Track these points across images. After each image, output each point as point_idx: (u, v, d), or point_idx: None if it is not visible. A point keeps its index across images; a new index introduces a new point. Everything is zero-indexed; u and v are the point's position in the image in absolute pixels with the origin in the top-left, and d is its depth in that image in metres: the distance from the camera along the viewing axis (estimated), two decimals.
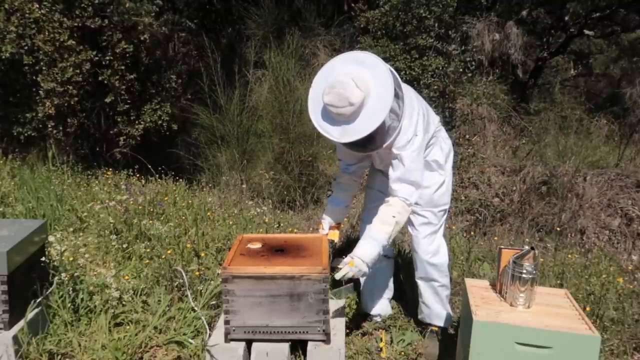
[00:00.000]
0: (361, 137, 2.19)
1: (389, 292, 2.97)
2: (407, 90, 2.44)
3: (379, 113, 2.15)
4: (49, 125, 5.91)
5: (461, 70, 6.52)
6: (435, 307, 2.74)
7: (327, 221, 2.72)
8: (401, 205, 2.36)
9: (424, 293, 2.74)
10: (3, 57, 5.52)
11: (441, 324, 2.76)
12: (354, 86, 2.13)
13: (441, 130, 2.70)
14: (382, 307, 2.93)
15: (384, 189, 2.71)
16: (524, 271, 2.09)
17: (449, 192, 2.69)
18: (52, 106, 5.73)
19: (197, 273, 3.10)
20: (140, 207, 4.25)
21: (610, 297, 3.09)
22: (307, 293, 2.28)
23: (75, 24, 5.69)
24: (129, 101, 6.18)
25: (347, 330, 2.75)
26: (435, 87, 6.22)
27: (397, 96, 2.26)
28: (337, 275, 2.30)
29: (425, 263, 2.66)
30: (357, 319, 2.94)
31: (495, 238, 4.57)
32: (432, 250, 2.65)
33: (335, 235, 2.70)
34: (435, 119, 2.64)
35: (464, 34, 7.29)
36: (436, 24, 6.32)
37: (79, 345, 2.55)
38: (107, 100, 6.00)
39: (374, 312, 2.92)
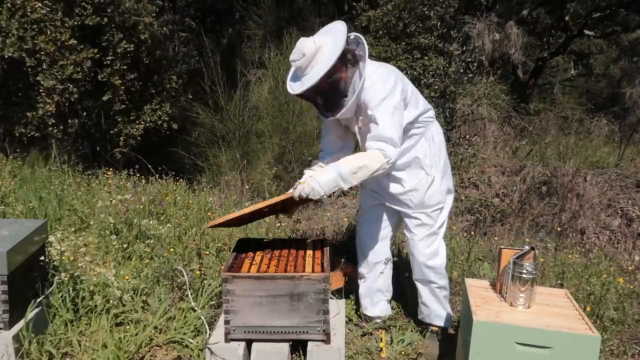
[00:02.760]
0: (312, 84, 2.32)
1: (389, 294, 2.96)
2: (389, 67, 2.56)
3: (326, 62, 2.32)
4: (50, 123, 5.91)
5: (462, 70, 6.52)
6: (435, 308, 2.74)
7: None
8: (377, 155, 2.34)
9: (423, 294, 2.74)
10: (6, 55, 5.52)
11: (441, 324, 2.76)
12: (311, 41, 2.37)
13: (432, 124, 2.66)
14: (382, 309, 2.92)
15: (377, 188, 2.72)
16: (524, 271, 2.09)
17: (441, 191, 2.63)
18: (52, 103, 5.73)
19: (198, 272, 3.10)
20: (140, 207, 4.25)
21: (610, 297, 3.09)
22: (307, 293, 2.29)
23: (76, 23, 5.70)
24: (126, 101, 6.17)
25: (347, 330, 2.75)
26: (436, 87, 6.23)
27: (360, 59, 2.41)
28: (295, 194, 2.33)
29: (422, 265, 2.65)
30: (357, 320, 2.94)
31: (495, 238, 4.56)
32: (429, 253, 2.63)
33: None
34: (425, 107, 2.62)
35: (464, 34, 7.30)
36: (439, 24, 6.32)
37: (79, 345, 2.55)
38: (105, 98, 6.00)
39: (373, 314, 2.91)
